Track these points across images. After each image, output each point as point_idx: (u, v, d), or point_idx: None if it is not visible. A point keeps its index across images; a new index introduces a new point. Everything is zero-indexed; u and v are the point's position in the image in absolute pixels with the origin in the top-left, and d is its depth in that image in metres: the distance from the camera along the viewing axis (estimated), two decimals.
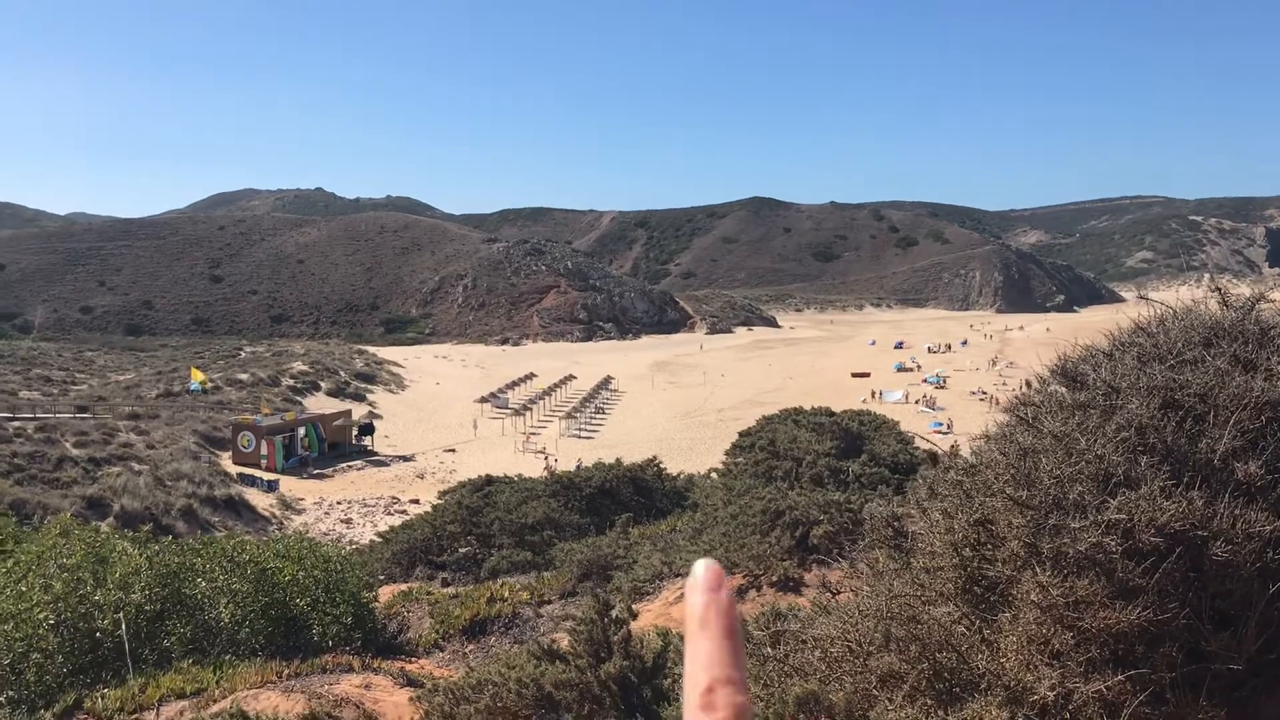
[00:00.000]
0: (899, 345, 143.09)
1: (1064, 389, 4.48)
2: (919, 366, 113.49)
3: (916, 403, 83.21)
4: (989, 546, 4.03)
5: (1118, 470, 3.80)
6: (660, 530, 16.09)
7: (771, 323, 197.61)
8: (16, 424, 55.40)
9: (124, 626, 11.67)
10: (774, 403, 68.67)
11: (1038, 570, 3.67)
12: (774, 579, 12.40)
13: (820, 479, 14.63)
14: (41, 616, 11.10)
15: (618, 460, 21.84)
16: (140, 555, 13.03)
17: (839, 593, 5.71)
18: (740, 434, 17.06)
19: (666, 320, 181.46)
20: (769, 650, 4.83)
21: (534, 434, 71.99)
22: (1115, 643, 3.51)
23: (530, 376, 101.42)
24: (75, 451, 50.44)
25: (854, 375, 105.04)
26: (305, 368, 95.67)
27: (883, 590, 4.32)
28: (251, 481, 52.64)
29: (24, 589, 11.69)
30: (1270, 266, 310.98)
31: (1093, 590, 3.52)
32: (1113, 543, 3.56)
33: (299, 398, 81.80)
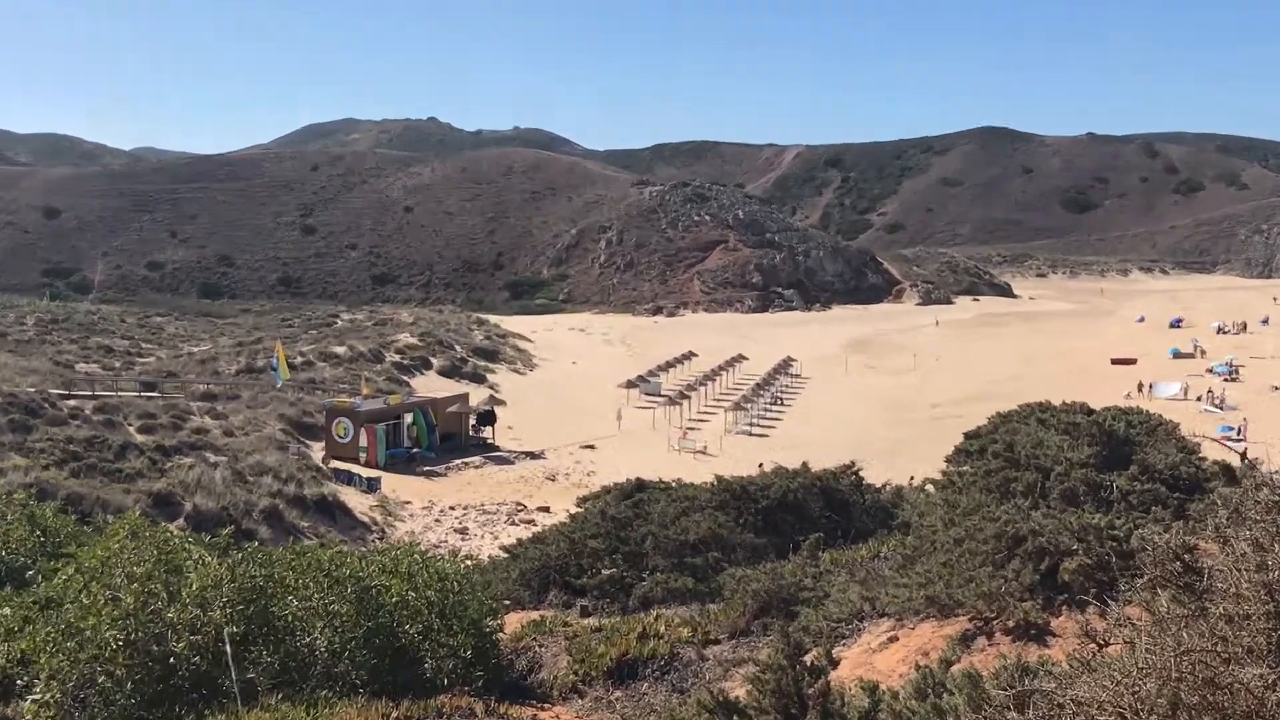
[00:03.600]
0: (1176, 323, 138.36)
1: None
2: (1203, 352, 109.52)
3: (1199, 399, 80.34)
4: None
5: None
6: (859, 556, 15.99)
7: (1004, 291, 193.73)
8: (72, 403, 58.55)
9: (225, 647, 12.06)
10: (1007, 395, 66.43)
11: None
12: (1010, 624, 12.03)
13: (1074, 496, 14.26)
14: (109, 635, 11.55)
15: (804, 465, 21.67)
16: (221, 565, 13.42)
17: (1105, 644, 5.56)
18: (966, 435, 16.66)
19: (865, 286, 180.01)
20: (1013, 715, 4.77)
21: (692, 429, 72.37)
22: None
23: (689, 356, 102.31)
24: (140, 438, 53.09)
25: (1114, 362, 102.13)
26: (414, 341, 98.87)
27: (1168, 643, 4.21)
28: (348, 479, 54.64)
29: (87, 601, 12.15)
30: None
31: None
32: None
33: (406, 377, 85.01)
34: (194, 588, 12.91)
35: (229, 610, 13.06)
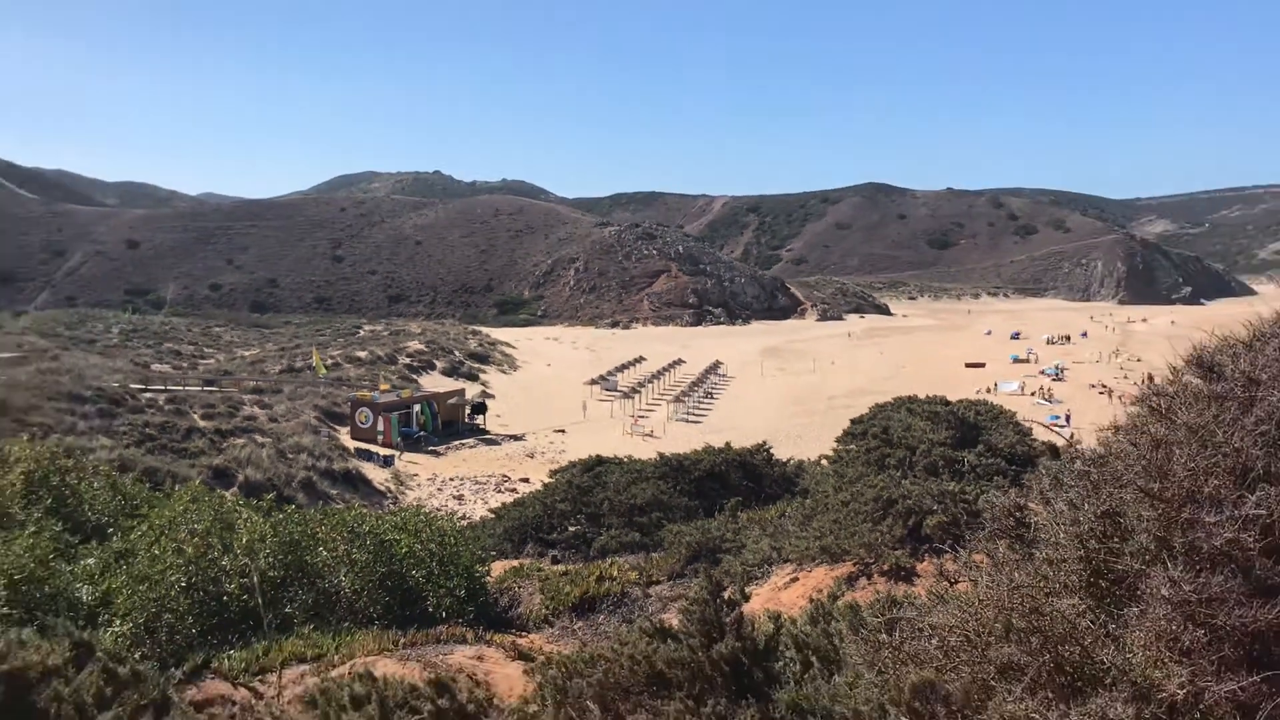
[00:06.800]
0: (1015, 336, 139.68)
1: (1199, 380, 4.30)
2: (1036, 358, 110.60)
3: (1033, 395, 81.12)
4: (1116, 539, 3.92)
5: (1256, 464, 3.65)
6: (769, 515, 15.99)
7: (884, 310, 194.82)
8: (149, 395, 57.75)
9: (254, 589, 11.92)
10: (886, 391, 66.32)
11: (1169, 565, 3.55)
12: (885, 568, 12.18)
13: (934, 469, 14.35)
14: (173, 579, 11.45)
15: (727, 444, 21.71)
16: (265, 523, 13.30)
17: (956, 582, 5.58)
18: (852, 421, 16.80)
19: (777, 306, 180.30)
20: (884, 637, 4.77)
21: (642, 417, 72.33)
22: (1251, 642, 3.37)
23: (639, 360, 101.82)
24: (202, 423, 52.41)
25: (968, 366, 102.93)
26: (421, 347, 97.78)
27: (1003, 581, 4.22)
28: (368, 456, 54.06)
29: (157, 552, 12.04)
30: None
31: (1227, 587, 3.39)
32: (1250, 539, 3.43)
33: (415, 376, 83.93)
34: (243, 541, 12.83)
35: (271, 559, 12.96)
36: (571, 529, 18.73)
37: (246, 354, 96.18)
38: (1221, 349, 4.44)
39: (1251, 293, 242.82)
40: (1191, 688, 3.32)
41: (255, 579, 12.48)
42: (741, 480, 20.03)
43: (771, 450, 21.75)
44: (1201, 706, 3.31)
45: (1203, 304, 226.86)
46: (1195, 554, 3.51)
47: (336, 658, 9.41)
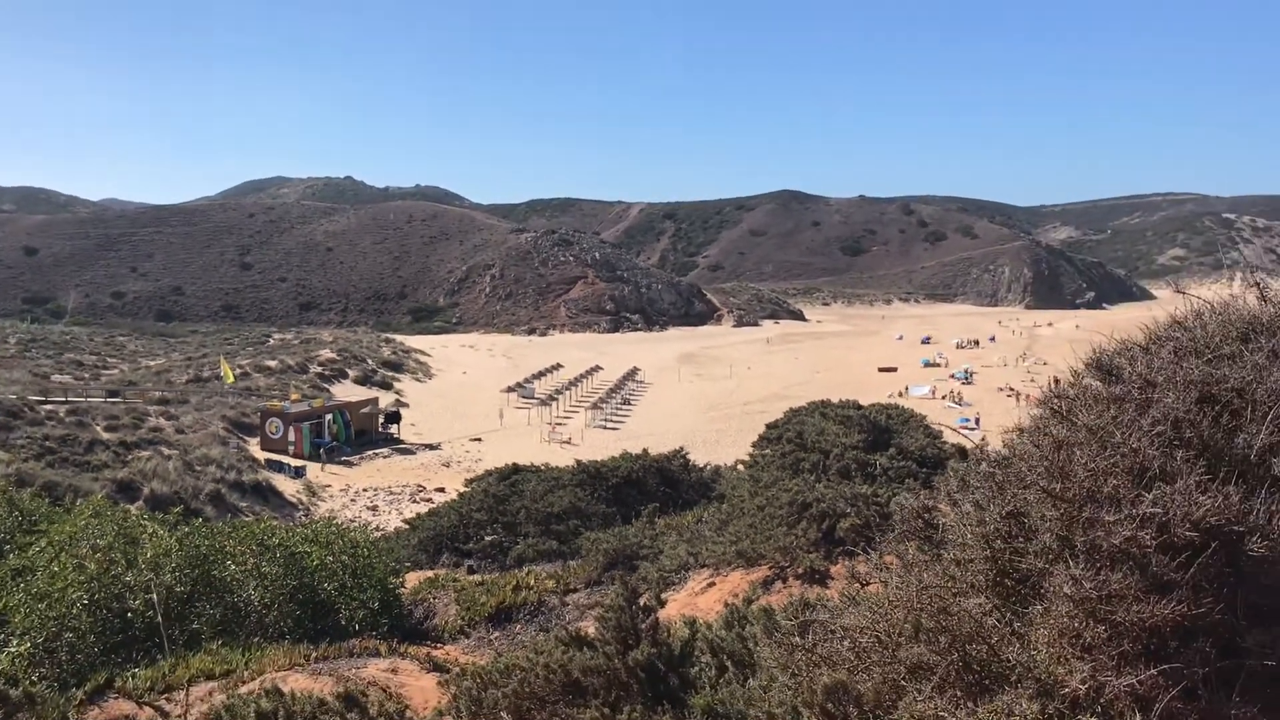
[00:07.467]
0: (926, 340, 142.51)
1: (1098, 382, 4.44)
2: (946, 362, 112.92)
3: (944, 398, 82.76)
4: (1021, 539, 4.01)
5: (1153, 464, 3.76)
6: (686, 521, 16.07)
7: (798, 316, 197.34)
8: (48, 407, 56.02)
9: (157, 605, 11.68)
10: (801, 396, 67.59)
11: (1070, 563, 3.64)
12: (800, 571, 12.29)
13: (847, 472, 14.53)
14: (75, 596, 11.18)
15: (644, 450, 21.81)
16: (170, 537, 13.08)
17: (868, 584, 5.58)
18: (767, 426, 16.98)
19: (693, 312, 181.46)
20: (797, 640, 4.79)
21: (560, 424, 72.16)
22: (1148, 637, 3.48)
23: (557, 367, 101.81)
24: (106, 435, 50.97)
25: (881, 370, 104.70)
26: (333, 355, 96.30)
27: (912, 582, 4.27)
28: (279, 468, 53.06)
29: (57, 569, 11.77)
30: None
31: (1126, 584, 3.49)
32: (1147, 537, 3.53)
33: (327, 385, 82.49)
34: (148, 555, 12.57)
35: (178, 573, 12.71)
36: (488, 538, 18.60)
37: (152, 364, 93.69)
38: (1120, 352, 4.57)
39: (1151, 297, 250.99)
40: (1093, 682, 3.41)
41: (160, 594, 12.21)
42: (659, 486, 20.14)
43: (688, 456, 21.92)
44: (1102, 701, 3.40)
45: (1105, 308, 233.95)
46: (1096, 552, 3.61)
47: (246, 673, 9.24)
